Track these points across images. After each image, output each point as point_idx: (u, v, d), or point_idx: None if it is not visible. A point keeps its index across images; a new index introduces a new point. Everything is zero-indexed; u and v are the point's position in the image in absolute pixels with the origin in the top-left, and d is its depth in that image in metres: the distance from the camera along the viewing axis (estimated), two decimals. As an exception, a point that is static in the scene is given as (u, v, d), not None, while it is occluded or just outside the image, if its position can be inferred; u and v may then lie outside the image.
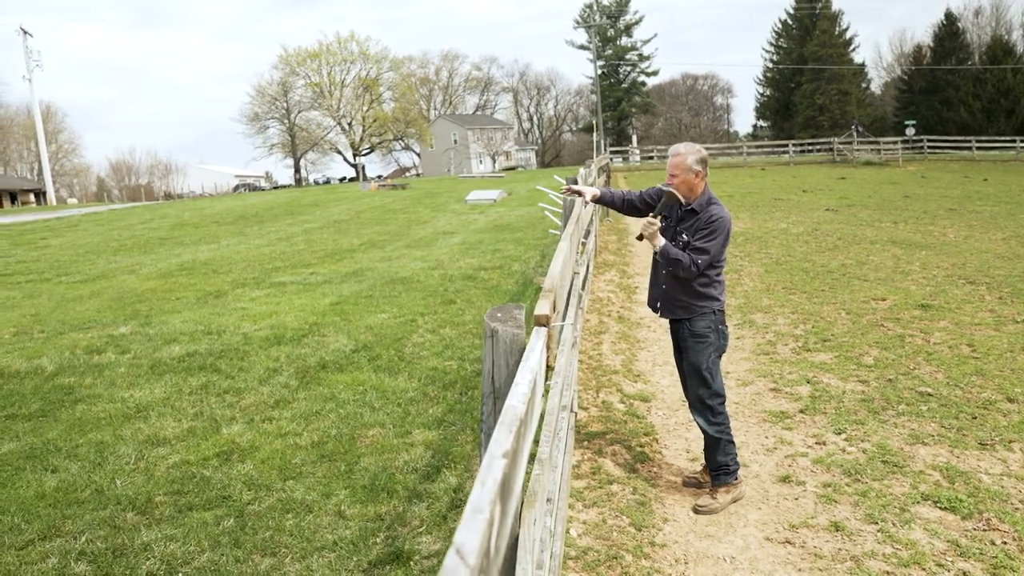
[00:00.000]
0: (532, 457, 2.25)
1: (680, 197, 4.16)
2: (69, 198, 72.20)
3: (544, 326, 1.67)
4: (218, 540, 3.97)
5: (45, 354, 7.71)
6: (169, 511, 4.31)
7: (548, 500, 2.58)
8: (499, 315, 1.67)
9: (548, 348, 1.82)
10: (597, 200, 4.55)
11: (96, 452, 5.18)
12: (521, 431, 1.20)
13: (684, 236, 4.13)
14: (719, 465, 4.26)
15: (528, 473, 2.07)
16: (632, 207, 4.45)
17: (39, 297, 11.51)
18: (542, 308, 1.72)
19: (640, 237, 4.28)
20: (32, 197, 64.13)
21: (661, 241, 4.13)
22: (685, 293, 4.22)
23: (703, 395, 4.26)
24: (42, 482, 4.74)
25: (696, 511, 4.19)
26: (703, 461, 4.51)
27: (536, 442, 2.40)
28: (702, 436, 4.39)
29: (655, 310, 4.44)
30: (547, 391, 2.69)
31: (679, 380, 4.62)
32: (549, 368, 1.92)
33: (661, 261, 4.19)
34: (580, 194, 4.57)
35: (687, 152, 4.12)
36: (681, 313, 4.26)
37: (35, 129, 62.69)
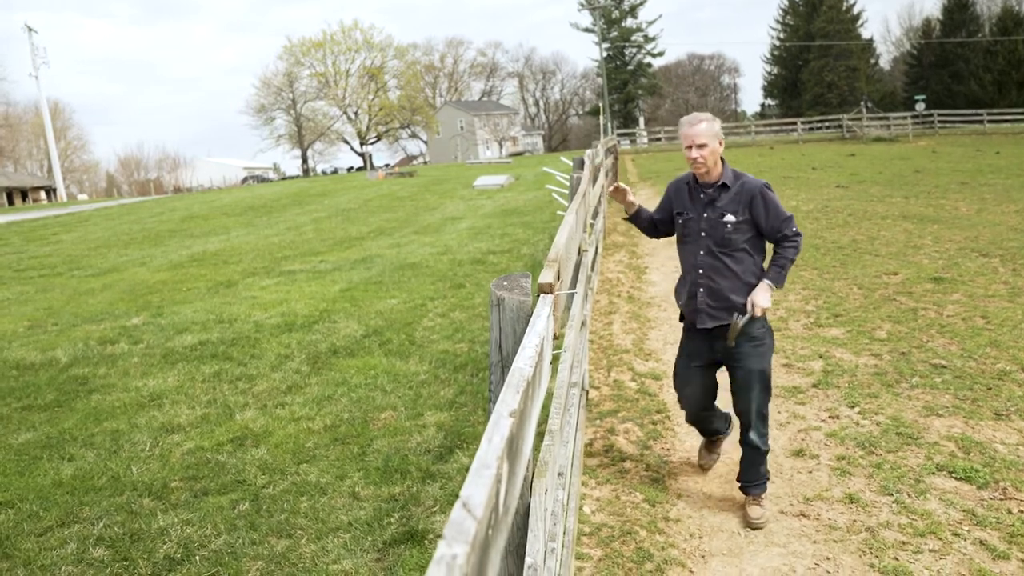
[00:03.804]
0: (542, 435, 2.25)
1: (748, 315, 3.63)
2: (79, 194, 72.50)
3: (547, 294, 1.66)
4: (234, 523, 4.00)
5: (59, 346, 7.77)
6: (185, 496, 4.34)
7: (560, 474, 2.58)
8: (505, 284, 1.66)
9: (555, 317, 1.81)
10: (634, 214, 4.01)
11: (111, 440, 5.22)
12: (528, 393, 1.19)
13: (729, 216, 3.58)
14: (763, 477, 3.86)
15: (539, 448, 2.07)
16: (654, 227, 3.99)
17: (52, 291, 11.59)
18: (546, 277, 1.71)
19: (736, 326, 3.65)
20: (43, 194, 64.51)
21: (768, 294, 3.59)
22: (737, 291, 3.65)
23: (764, 405, 3.76)
24: (59, 470, 4.79)
25: (752, 527, 3.74)
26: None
27: (547, 419, 2.40)
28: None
29: (692, 320, 3.79)
30: (555, 360, 2.68)
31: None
32: (556, 337, 1.91)
33: (786, 277, 3.67)
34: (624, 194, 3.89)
35: (712, 118, 3.62)
36: (727, 317, 3.68)
37: (44, 126, 62.93)
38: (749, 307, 3.57)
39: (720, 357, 3.76)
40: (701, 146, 3.55)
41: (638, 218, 3.98)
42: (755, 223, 3.59)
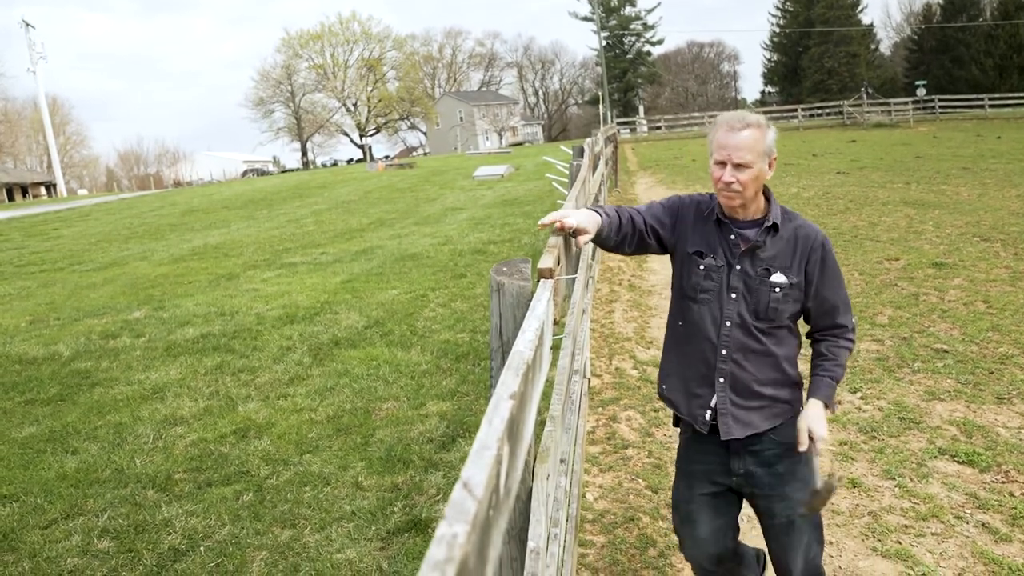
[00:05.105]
0: (545, 423, 2.25)
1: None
2: (79, 189, 72.49)
3: (547, 278, 1.66)
4: (238, 514, 4.01)
5: (61, 340, 7.78)
6: (189, 488, 4.36)
7: (562, 460, 2.58)
8: (505, 269, 1.66)
9: (555, 303, 1.81)
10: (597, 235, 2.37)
11: (115, 433, 5.23)
12: (529, 376, 1.19)
13: (779, 275, 2.33)
14: None
15: (541, 435, 2.07)
16: (623, 241, 2.42)
17: (54, 286, 11.59)
18: (545, 262, 1.70)
19: (822, 498, 2.30)
20: (43, 190, 64.44)
21: (824, 420, 2.33)
22: (775, 385, 2.40)
23: (819, 555, 2.50)
24: (63, 463, 4.80)
25: None
26: None
27: (548, 406, 2.40)
28: None
29: (704, 424, 2.43)
30: (556, 348, 2.68)
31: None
32: (556, 323, 1.91)
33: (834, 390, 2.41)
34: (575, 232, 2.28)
35: (764, 124, 2.28)
36: (762, 422, 2.39)
37: (42, 122, 62.85)
38: (804, 441, 2.30)
39: (741, 484, 2.45)
40: (741, 167, 2.24)
41: (600, 238, 2.37)
42: (804, 291, 2.38)
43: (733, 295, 2.35)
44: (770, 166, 2.29)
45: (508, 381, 1.08)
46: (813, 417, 2.31)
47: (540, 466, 1.79)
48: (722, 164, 2.26)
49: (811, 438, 2.30)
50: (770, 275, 2.33)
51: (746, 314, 2.35)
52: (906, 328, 6.25)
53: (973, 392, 4.92)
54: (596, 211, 2.33)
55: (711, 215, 2.40)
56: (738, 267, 2.35)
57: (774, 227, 2.33)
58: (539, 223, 2.22)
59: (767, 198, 2.38)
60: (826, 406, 2.34)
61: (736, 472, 2.42)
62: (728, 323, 2.36)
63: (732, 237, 2.35)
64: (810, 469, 2.39)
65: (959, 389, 4.98)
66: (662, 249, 2.50)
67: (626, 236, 2.41)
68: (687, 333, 2.45)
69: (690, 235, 2.42)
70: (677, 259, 2.48)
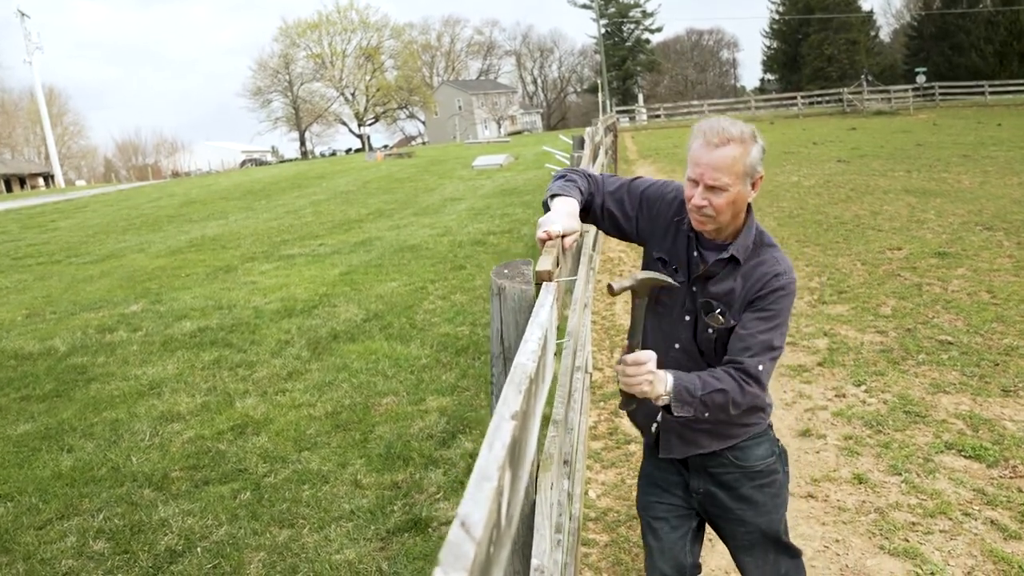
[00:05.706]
0: (547, 421, 2.19)
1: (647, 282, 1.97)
2: (77, 180, 72.24)
3: (547, 282, 1.59)
4: (235, 513, 3.96)
5: (57, 335, 7.72)
6: (186, 486, 4.30)
7: (565, 462, 2.52)
8: (506, 271, 1.60)
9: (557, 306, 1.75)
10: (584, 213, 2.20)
11: (111, 430, 5.18)
12: (532, 390, 1.13)
13: (719, 315, 2.04)
14: None
15: (543, 432, 2.01)
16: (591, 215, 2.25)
17: (50, 279, 11.52)
18: (544, 264, 1.63)
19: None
20: (41, 181, 64.27)
21: (663, 385, 1.91)
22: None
23: (792, 571, 2.36)
24: (58, 462, 4.74)
25: None
26: None
27: (551, 404, 2.34)
28: None
29: (651, 437, 2.32)
30: (559, 348, 2.62)
31: None
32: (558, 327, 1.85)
33: (684, 413, 1.95)
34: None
35: (749, 138, 1.95)
36: (710, 442, 2.18)
37: (39, 113, 62.60)
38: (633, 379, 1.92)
39: (703, 503, 2.28)
40: (715, 189, 1.94)
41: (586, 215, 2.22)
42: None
43: (687, 317, 2.10)
44: (754, 187, 1.98)
45: (510, 399, 1.01)
46: (658, 374, 1.91)
47: (543, 475, 1.73)
48: (695, 182, 1.96)
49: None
50: (710, 311, 2.05)
51: (690, 344, 2.11)
52: (910, 319, 6.19)
53: (979, 384, 4.86)
54: (571, 194, 2.10)
55: (682, 222, 2.10)
56: (693, 289, 2.08)
57: (733, 260, 2.02)
58: (539, 243, 1.95)
59: (746, 219, 2.05)
60: (680, 397, 1.90)
61: (696, 491, 2.26)
62: (677, 345, 2.13)
63: (695, 255, 2.08)
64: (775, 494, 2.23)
65: (964, 381, 4.93)
66: (618, 235, 2.25)
67: (583, 210, 2.18)
68: (646, 339, 2.15)
69: (660, 237, 2.16)
70: (646, 254, 2.24)
